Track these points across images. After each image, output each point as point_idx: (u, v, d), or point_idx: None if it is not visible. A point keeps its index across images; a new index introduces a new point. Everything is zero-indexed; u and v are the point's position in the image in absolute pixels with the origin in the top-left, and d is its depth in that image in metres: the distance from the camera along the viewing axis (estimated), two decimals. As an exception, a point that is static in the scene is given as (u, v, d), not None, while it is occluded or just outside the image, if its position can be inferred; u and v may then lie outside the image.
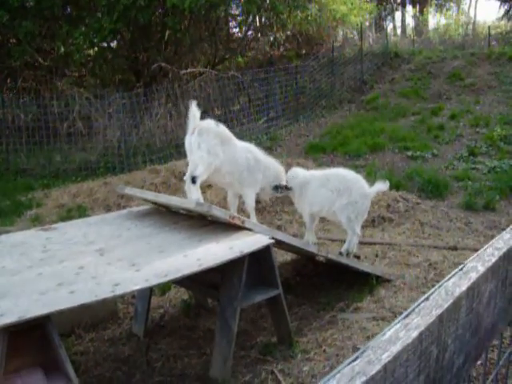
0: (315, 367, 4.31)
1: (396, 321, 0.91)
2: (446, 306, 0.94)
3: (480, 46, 23.87)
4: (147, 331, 5.24)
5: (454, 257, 6.59)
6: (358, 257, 6.67)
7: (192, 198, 5.20)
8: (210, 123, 5.42)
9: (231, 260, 3.85)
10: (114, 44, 18.78)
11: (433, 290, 1.03)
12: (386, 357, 0.78)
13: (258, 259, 4.35)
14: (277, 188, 5.93)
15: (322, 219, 7.00)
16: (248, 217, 5.80)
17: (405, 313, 0.94)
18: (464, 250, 6.85)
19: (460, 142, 12.94)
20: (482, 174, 10.48)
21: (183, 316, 5.60)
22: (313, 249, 5.14)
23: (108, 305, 5.46)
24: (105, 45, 18.11)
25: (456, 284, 1.03)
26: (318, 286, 6.01)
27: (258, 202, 8.76)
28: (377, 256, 6.76)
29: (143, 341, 5.12)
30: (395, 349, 0.78)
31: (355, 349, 4.52)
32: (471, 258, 1.18)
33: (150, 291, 5.22)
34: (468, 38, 26.54)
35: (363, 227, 7.83)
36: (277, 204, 8.69)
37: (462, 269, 1.12)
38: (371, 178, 9.93)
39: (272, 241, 4.24)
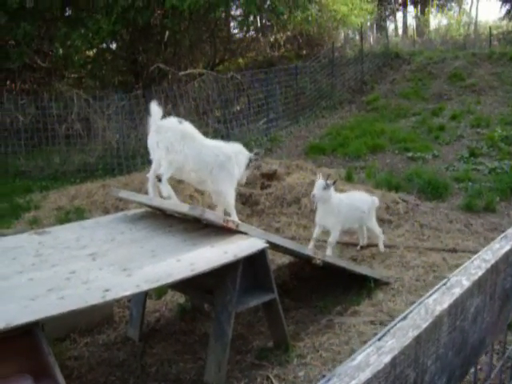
0: (311, 372, 4.25)
1: (369, 343, 0.85)
2: (424, 325, 0.88)
3: (481, 46, 23.84)
4: (142, 335, 5.19)
5: (453, 259, 6.53)
6: (355, 259, 6.63)
7: (163, 195, 5.20)
8: (170, 121, 5.34)
9: (226, 264, 3.80)
10: (113, 45, 18.76)
11: (412, 307, 0.97)
12: (353, 385, 0.73)
13: (254, 263, 4.30)
14: (249, 164, 5.77)
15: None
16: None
17: (379, 334, 0.89)
18: (464, 252, 6.79)
19: (461, 142, 12.89)
20: (482, 174, 10.42)
21: (179, 320, 5.56)
22: (309, 252, 5.09)
23: (104, 309, 5.41)
24: (104, 46, 18.10)
25: (437, 301, 0.98)
26: (316, 289, 5.96)
27: (256, 204, 8.75)
28: (375, 258, 6.70)
29: (138, 345, 5.08)
30: (364, 376, 0.73)
31: (352, 353, 4.46)
32: (456, 271, 1.12)
33: (145, 295, 5.18)
34: (469, 38, 26.51)
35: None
36: (275, 206, 8.63)
37: (445, 283, 1.06)
38: (371, 179, 9.92)
39: (267, 245, 4.19)
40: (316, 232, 6.49)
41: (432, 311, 0.90)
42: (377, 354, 0.77)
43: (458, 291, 0.98)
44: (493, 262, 1.14)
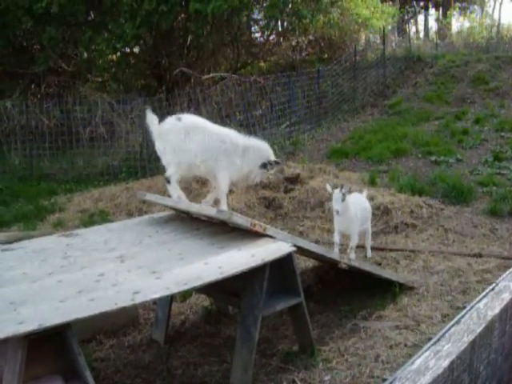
0: (337, 377, 4.25)
1: (425, 347, 0.86)
2: (478, 330, 0.89)
3: (504, 49, 23.58)
4: (168, 338, 5.21)
5: (478, 264, 6.48)
6: (379, 264, 6.61)
7: (173, 196, 5.33)
8: (169, 122, 5.38)
9: (253, 268, 3.81)
10: (136, 49, 18.87)
11: (463, 312, 0.97)
12: (414, 390, 0.73)
13: (280, 267, 4.30)
14: (265, 165, 5.71)
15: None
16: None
17: (434, 338, 0.89)
18: (489, 257, 6.74)
19: (484, 146, 12.76)
20: (507, 179, 10.31)
21: (204, 323, 5.58)
22: (335, 256, 5.09)
23: (129, 311, 5.44)
24: (127, 50, 18.21)
25: (488, 306, 0.98)
26: (340, 293, 5.95)
27: (280, 207, 8.74)
28: (399, 263, 6.67)
29: (164, 347, 5.10)
30: (424, 380, 0.73)
31: (378, 358, 4.45)
32: (503, 276, 1.12)
33: (170, 298, 5.19)
34: (492, 41, 26.22)
35: (386, 233, 7.79)
36: (299, 210, 8.63)
37: (493, 289, 1.06)
38: (394, 183, 9.87)
39: (294, 248, 4.19)
40: (338, 237, 6.51)
41: (484, 316, 0.90)
42: (435, 358, 0.77)
43: (507, 296, 0.98)
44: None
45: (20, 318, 3.02)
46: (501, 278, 1.06)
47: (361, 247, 7.08)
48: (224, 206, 5.59)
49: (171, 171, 5.32)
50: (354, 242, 6.53)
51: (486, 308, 0.91)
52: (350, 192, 6.28)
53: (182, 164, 5.33)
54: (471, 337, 0.82)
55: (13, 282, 3.67)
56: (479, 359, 0.86)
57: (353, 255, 6.38)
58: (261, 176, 5.94)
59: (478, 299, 0.97)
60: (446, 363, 0.75)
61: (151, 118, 5.33)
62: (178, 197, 5.33)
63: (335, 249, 6.39)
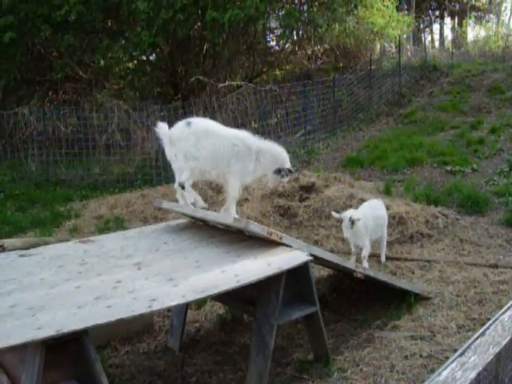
0: (352, 386, 4.24)
1: (451, 359, 0.86)
2: (503, 342, 0.89)
3: (520, 59, 23.49)
4: (182, 345, 5.23)
5: (494, 275, 6.45)
6: (394, 273, 6.60)
7: (187, 202, 5.29)
8: (178, 128, 5.31)
9: (269, 276, 3.82)
10: (152, 57, 18.98)
11: (488, 324, 0.98)
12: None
13: (296, 275, 4.31)
14: (279, 171, 5.52)
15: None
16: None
17: (460, 350, 0.89)
18: (505, 268, 6.70)
19: (500, 156, 12.69)
20: (523, 189, 10.25)
21: (219, 331, 5.59)
22: (350, 265, 5.08)
23: (144, 318, 5.46)
24: (144, 58, 18.33)
25: (512, 318, 0.98)
26: (355, 302, 5.94)
27: (295, 216, 8.75)
28: (414, 273, 6.65)
29: (178, 355, 5.12)
30: (452, 392, 0.74)
31: (393, 368, 4.44)
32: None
33: (186, 305, 5.21)
34: (508, 51, 26.11)
35: (401, 243, 7.77)
36: (314, 219, 8.62)
37: (517, 300, 1.06)
38: (409, 193, 9.84)
39: (310, 257, 4.20)
40: (353, 247, 6.63)
41: (509, 328, 0.91)
42: (461, 369, 0.78)
43: (531, 308, 0.99)
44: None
45: (38, 323, 3.05)
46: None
47: (376, 256, 7.09)
48: (233, 211, 5.47)
49: (184, 177, 5.28)
50: (365, 251, 6.62)
51: (510, 320, 0.91)
52: (358, 220, 6.38)
53: (195, 170, 5.29)
54: (497, 349, 0.82)
55: (31, 288, 3.70)
56: (504, 371, 0.86)
57: (366, 264, 6.41)
58: (274, 182, 5.78)
59: (502, 311, 0.97)
60: (472, 375, 0.75)
61: (161, 126, 5.33)
62: (194, 200, 5.31)
63: (352, 258, 6.43)
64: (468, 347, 0.87)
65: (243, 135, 5.47)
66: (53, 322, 3.06)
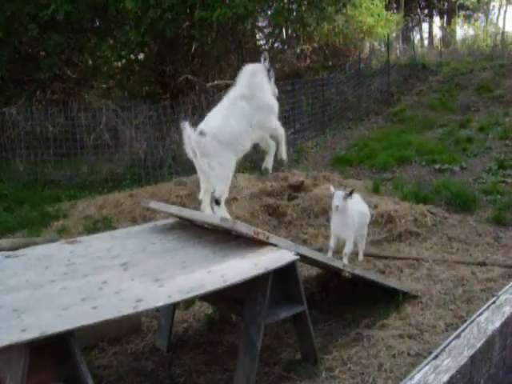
0: (340, 385, 4.24)
1: (425, 362, 0.86)
2: (478, 345, 0.89)
3: (509, 57, 23.62)
4: (170, 345, 5.21)
5: (482, 273, 6.46)
6: (383, 272, 6.60)
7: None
8: (202, 137, 4.92)
9: (256, 276, 3.81)
10: (141, 56, 18.91)
11: (464, 326, 0.97)
12: (413, 405, 0.74)
13: (283, 275, 4.30)
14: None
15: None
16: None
17: (434, 352, 0.89)
18: (493, 265, 6.71)
19: (489, 154, 12.74)
20: (511, 187, 10.29)
21: (207, 331, 5.57)
22: (338, 264, 5.08)
23: (132, 318, 5.44)
24: (132, 57, 18.25)
25: (489, 320, 0.97)
26: (344, 301, 5.93)
27: (283, 215, 8.74)
28: (403, 271, 6.65)
29: (166, 355, 5.10)
30: (424, 396, 0.73)
31: (381, 367, 4.44)
32: (504, 288, 1.12)
33: (173, 305, 5.19)
34: (497, 49, 26.26)
35: (390, 241, 7.78)
36: (302, 218, 8.62)
37: (494, 302, 1.06)
38: (398, 191, 9.86)
39: (297, 257, 4.19)
40: (333, 242, 6.44)
41: (485, 330, 0.90)
42: (434, 373, 0.77)
43: (508, 310, 0.98)
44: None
45: (23, 325, 3.03)
46: (502, 290, 1.06)
47: (366, 255, 7.09)
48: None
49: (220, 191, 4.99)
50: (348, 248, 6.37)
51: (486, 322, 0.91)
52: (351, 193, 6.25)
53: (230, 177, 5.07)
54: (471, 351, 0.82)
55: (16, 289, 3.68)
56: (479, 374, 0.86)
57: (345, 260, 6.27)
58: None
59: (478, 313, 0.97)
60: (445, 378, 0.75)
61: (189, 133, 4.88)
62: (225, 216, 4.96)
63: (329, 253, 6.29)
64: (442, 350, 0.86)
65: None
66: (38, 324, 3.04)
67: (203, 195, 5.21)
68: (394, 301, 5.60)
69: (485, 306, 1.05)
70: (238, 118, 5.09)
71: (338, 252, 6.53)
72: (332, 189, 6.32)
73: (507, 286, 1.16)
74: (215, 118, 5.13)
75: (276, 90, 5.61)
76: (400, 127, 15.91)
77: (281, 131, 5.51)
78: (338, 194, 6.14)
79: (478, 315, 1.00)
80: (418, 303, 5.67)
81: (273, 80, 5.58)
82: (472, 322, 0.97)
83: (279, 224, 8.60)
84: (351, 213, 6.32)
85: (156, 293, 3.48)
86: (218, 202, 5.01)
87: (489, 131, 14.50)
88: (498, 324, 0.95)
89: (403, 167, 12.11)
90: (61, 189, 12.74)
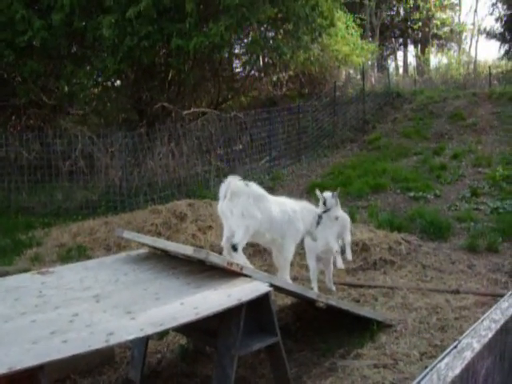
0: (314, 417, 4.21)
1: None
2: (437, 394, 0.89)
3: (481, 86, 24.11)
4: (144, 377, 5.13)
5: (456, 301, 6.49)
6: (357, 301, 6.60)
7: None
8: (239, 186, 5.39)
9: (228, 308, 3.79)
10: (117, 83, 18.92)
11: (424, 373, 0.97)
12: None
13: (257, 306, 4.28)
14: (319, 219, 6.19)
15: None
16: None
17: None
18: (467, 293, 6.75)
19: (462, 182, 12.92)
20: (484, 214, 10.41)
21: (181, 362, 5.50)
22: (312, 295, 5.07)
23: (104, 350, 5.35)
24: (109, 84, 18.26)
25: (449, 366, 0.98)
26: (319, 330, 5.91)
27: (255, 244, 8.72)
28: (378, 300, 6.66)
29: (139, 387, 5.02)
30: None
31: (355, 398, 4.42)
32: (466, 333, 1.13)
33: (147, 336, 5.13)
34: (469, 78, 26.77)
35: (365, 270, 7.79)
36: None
37: (456, 346, 1.06)
38: (373, 219, 9.91)
39: (270, 289, 4.18)
40: (314, 268, 6.67)
41: (444, 377, 0.90)
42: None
43: (469, 355, 0.98)
44: (502, 321, 1.14)
45: (-9, 360, 2.97)
46: (464, 334, 1.06)
47: (341, 284, 7.10)
48: (287, 274, 5.92)
49: (239, 238, 5.27)
50: (336, 248, 6.69)
51: (446, 368, 0.91)
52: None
53: (250, 229, 5.35)
54: (430, 401, 0.82)
55: (-15, 323, 3.61)
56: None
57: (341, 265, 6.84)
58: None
59: (439, 358, 0.97)
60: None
61: (231, 182, 5.42)
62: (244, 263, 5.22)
63: (313, 283, 6.43)
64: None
65: (284, 201, 6.01)
66: (6, 359, 2.97)
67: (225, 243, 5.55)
68: (369, 330, 5.60)
69: (446, 351, 1.05)
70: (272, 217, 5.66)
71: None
72: (318, 193, 6.77)
73: (468, 330, 1.17)
74: None
75: None
76: (375, 155, 16.07)
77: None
78: (327, 194, 6.69)
79: (439, 361, 1.00)
80: (392, 332, 5.67)
81: None
82: (432, 368, 0.97)
83: (254, 252, 8.57)
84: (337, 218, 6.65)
85: (128, 326, 3.44)
86: (234, 248, 5.28)
87: (462, 159, 14.71)
88: (458, 370, 0.95)
89: (378, 195, 12.21)
90: (35, 216, 12.60)
